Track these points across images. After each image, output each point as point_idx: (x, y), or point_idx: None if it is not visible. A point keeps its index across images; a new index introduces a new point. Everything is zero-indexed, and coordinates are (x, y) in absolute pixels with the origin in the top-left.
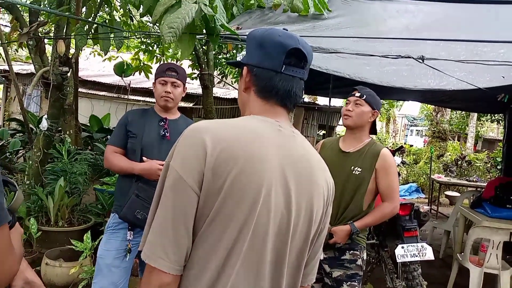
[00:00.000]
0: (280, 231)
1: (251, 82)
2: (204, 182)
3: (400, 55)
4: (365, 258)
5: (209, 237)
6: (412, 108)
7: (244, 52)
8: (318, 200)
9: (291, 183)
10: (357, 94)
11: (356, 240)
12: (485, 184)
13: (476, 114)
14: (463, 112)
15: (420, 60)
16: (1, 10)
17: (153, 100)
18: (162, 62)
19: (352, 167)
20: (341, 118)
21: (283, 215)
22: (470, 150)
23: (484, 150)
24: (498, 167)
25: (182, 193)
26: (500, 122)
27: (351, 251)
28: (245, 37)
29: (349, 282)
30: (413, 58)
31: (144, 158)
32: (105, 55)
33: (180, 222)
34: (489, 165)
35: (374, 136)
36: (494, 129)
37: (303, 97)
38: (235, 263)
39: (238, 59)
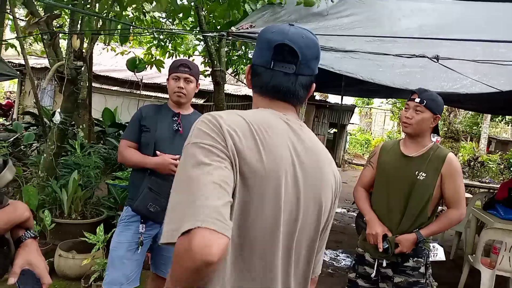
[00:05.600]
0: (290, 224)
1: (251, 79)
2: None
3: (414, 54)
4: (428, 264)
5: None
6: None
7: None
8: (326, 192)
9: (300, 176)
10: (417, 100)
11: (420, 247)
12: (498, 186)
13: (489, 115)
14: (475, 113)
15: (435, 60)
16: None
17: (165, 95)
18: (174, 57)
19: (417, 172)
20: (352, 117)
21: (292, 208)
22: (483, 151)
23: (497, 151)
24: None
25: (219, 157)
26: None
27: (415, 258)
28: (257, 35)
29: None
30: (427, 57)
31: (157, 153)
32: (104, 43)
33: (227, 185)
34: (502, 167)
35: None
36: (507, 130)
37: (308, 93)
38: (247, 250)
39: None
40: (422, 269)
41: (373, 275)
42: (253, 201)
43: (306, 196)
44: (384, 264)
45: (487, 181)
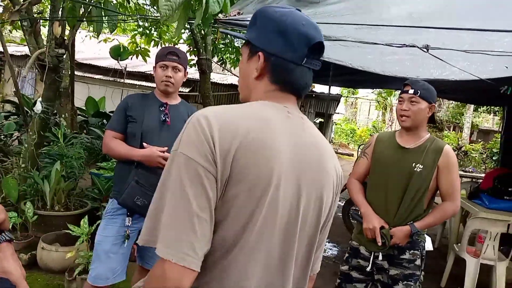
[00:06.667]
0: (289, 222)
1: (267, 70)
2: (216, 171)
3: (404, 44)
4: (424, 256)
5: (217, 228)
6: None
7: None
8: (328, 188)
9: (300, 172)
10: (411, 91)
11: (416, 239)
12: (480, 175)
13: (472, 105)
14: (460, 103)
15: (425, 50)
16: None
17: (149, 84)
18: (160, 46)
19: (413, 163)
20: (338, 106)
21: (292, 206)
22: (466, 141)
23: (480, 140)
24: (494, 158)
25: (202, 178)
26: (497, 113)
27: (411, 251)
28: (246, 23)
29: (405, 282)
30: (417, 47)
31: (144, 144)
32: (98, 37)
33: (206, 211)
34: (484, 156)
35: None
36: (489, 120)
37: None
38: (242, 254)
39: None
40: (418, 262)
41: (368, 268)
42: (249, 204)
43: (307, 194)
44: (380, 257)
45: (470, 170)
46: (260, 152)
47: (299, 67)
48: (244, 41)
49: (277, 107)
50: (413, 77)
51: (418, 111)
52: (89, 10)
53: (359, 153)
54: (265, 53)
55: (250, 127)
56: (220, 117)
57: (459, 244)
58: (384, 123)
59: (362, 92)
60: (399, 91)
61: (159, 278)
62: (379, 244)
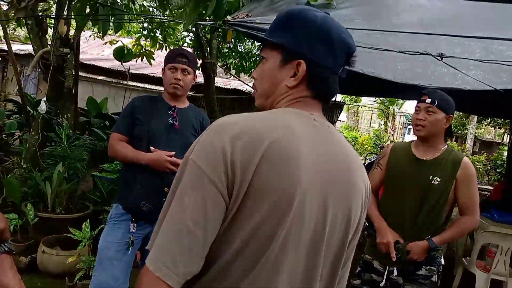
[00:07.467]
0: (314, 238)
1: (305, 78)
2: (229, 184)
3: (418, 52)
4: (440, 272)
5: (234, 243)
6: (411, 106)
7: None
8: (356, 203)
9: (328, 185)
10: (428, 100)
11: (434, 255)
12: (484, 187)
13: (476, 116)
14: (463, 113)
15: (439, 58)
16: None
17: (153, 86)
18: (164, 49)
19: (431, 176)
20: (341, 113)
21: (318, 221)
22: (469, 152)
23: (482, 152)
24: (498, 170)
25: (205, 191)
26: (502, 126)
27: (428, 267)
28: (256, 25)
29: None
30: (431, 55)
31: (151, 148)
32: (103, 37)
33: (200, 227)
34: (488, 167)
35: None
36: (491, 132)
37: None
38: (264, 271)
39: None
40: (434, 278)
41: (382, 283)
42: (272, 219)
43: (334, 208)
44: (395, 272)
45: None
46: (284, 163)
47: (333, 75)
48: (268, 45)
49: (302, 114)
50: (425, 85)
51: (435, 122)
52: (95, 8)
53: (365, 162)
54: (307, 61)
55: (274, 137)
56: (242, 126)
57: (467, 257)
58: (386, 132)
59: (364, 100)
60: (404, 100)
61: (138, 282)
62: (394, 259)
